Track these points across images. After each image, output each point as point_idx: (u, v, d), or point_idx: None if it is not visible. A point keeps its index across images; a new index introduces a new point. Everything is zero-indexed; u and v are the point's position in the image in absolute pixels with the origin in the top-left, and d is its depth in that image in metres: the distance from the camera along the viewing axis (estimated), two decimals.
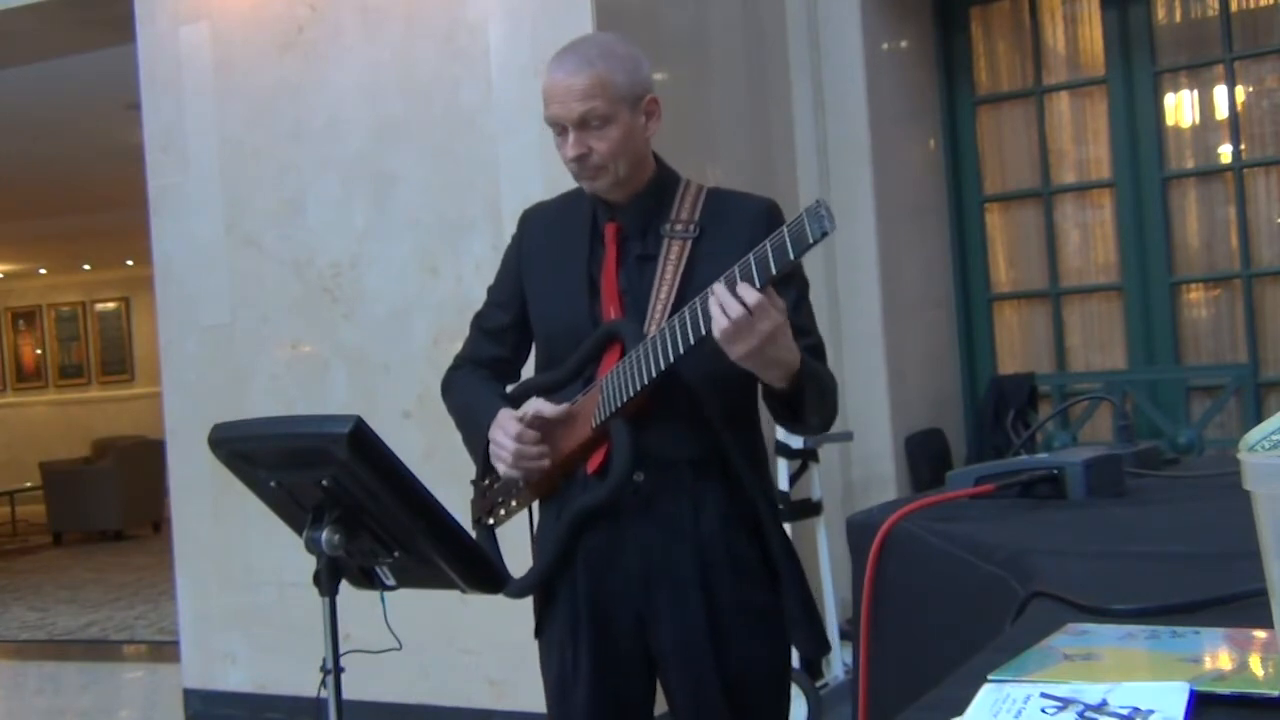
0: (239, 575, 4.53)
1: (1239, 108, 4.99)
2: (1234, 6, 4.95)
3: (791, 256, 1.72)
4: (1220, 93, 5.01)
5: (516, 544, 2.15)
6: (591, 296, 2.04)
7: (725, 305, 1.75)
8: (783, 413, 1.97)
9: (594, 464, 2.00)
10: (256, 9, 4.45)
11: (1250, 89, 5.05)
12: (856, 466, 4.92)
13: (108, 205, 10.05)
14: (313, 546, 2.04)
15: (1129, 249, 5.08)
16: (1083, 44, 5.23)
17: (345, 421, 1.93)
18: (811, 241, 1.70)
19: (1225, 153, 5.03)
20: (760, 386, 1.99)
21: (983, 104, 5.36)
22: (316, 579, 2.07)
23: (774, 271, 1.74)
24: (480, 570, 2.10)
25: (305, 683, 2.36)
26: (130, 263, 14.18)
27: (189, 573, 4.70)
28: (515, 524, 2.15)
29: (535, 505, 2.13)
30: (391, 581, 2.17)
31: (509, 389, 2.18)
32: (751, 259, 1.75)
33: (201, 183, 4.59)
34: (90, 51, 5.71)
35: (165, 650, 5.84)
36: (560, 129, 1.99)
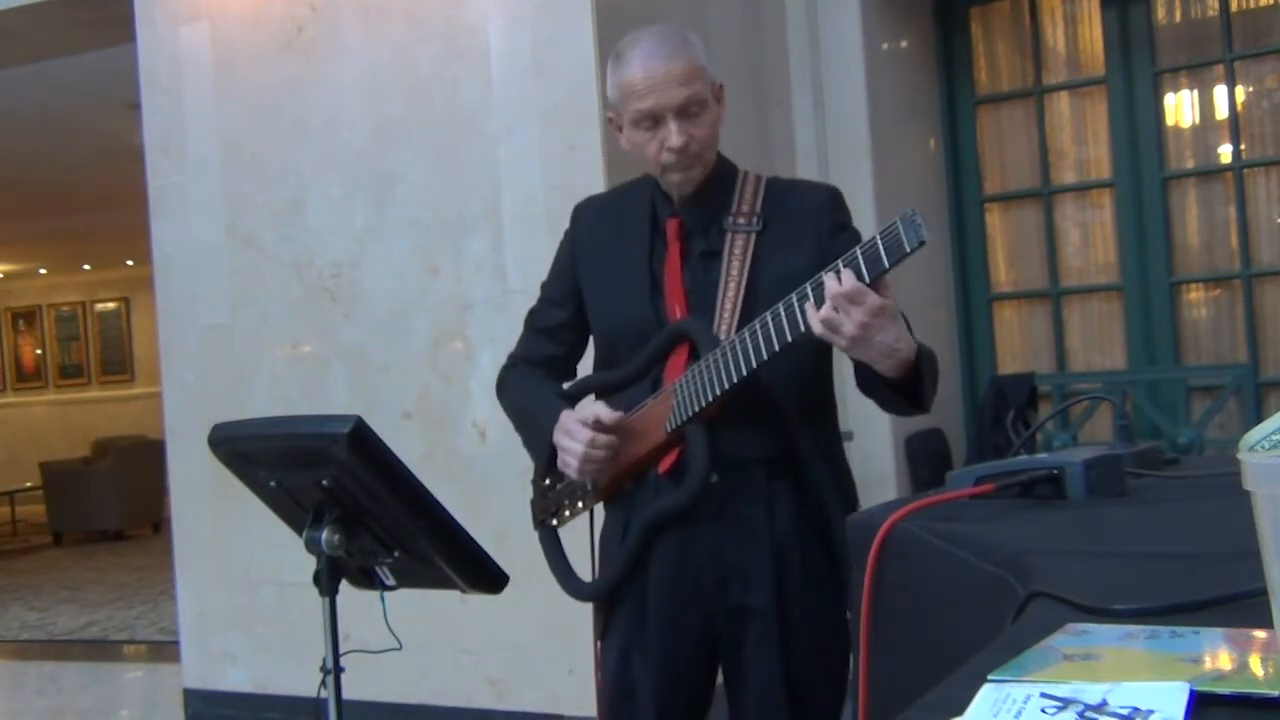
0: (239, 575, 4.53)
1: (1239, 108, 4.99)
2: (1234, 6, 4.95)
3: (886, 265, 1.69)
4: (1220, 93, 5.01)
5: (571, 544, 2.13)
6: (655, 294, 2.00)
7: (828, 282, 1.72)
8: (896, 400, 1.91)
9: (666, 465, 1.97)
10: (256, 9, 4.45)
11: (1250, 89, 5.05)
12: (856, 466, 4.88)
13: (108, 205, 10.05)
14: (313, 546, 2.04)
15: (1129, 249, 5.09)
16: (1083, 44, 5.23)
17: (345, 421, 1.93)
18: (908, 250, 1.67)
19: (1225, 153, 5.03)
20: (856, 376, 1.96)
21: (983, 104, 5.36)
22: (316, 579, 2.07)
23: (867, 281, 1.71)
24: (480, 570, 2.10)
25: (305, 683, 2.36)
26: (130, 263, 14.19)
27: (189, 573, 4.70)
28: (572, 524, 2.14)
29: (598, 506, 2.11)
30: (391, 581, 2.17)
31: (566, 386, 2.14)
32: (840, 265, 1.72)
33: (201, 183, 4.59)
34: (90, 51, 5.71)
35: (165, 650, 5.84)
36: (652, 121, 1.93)
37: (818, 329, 1.74)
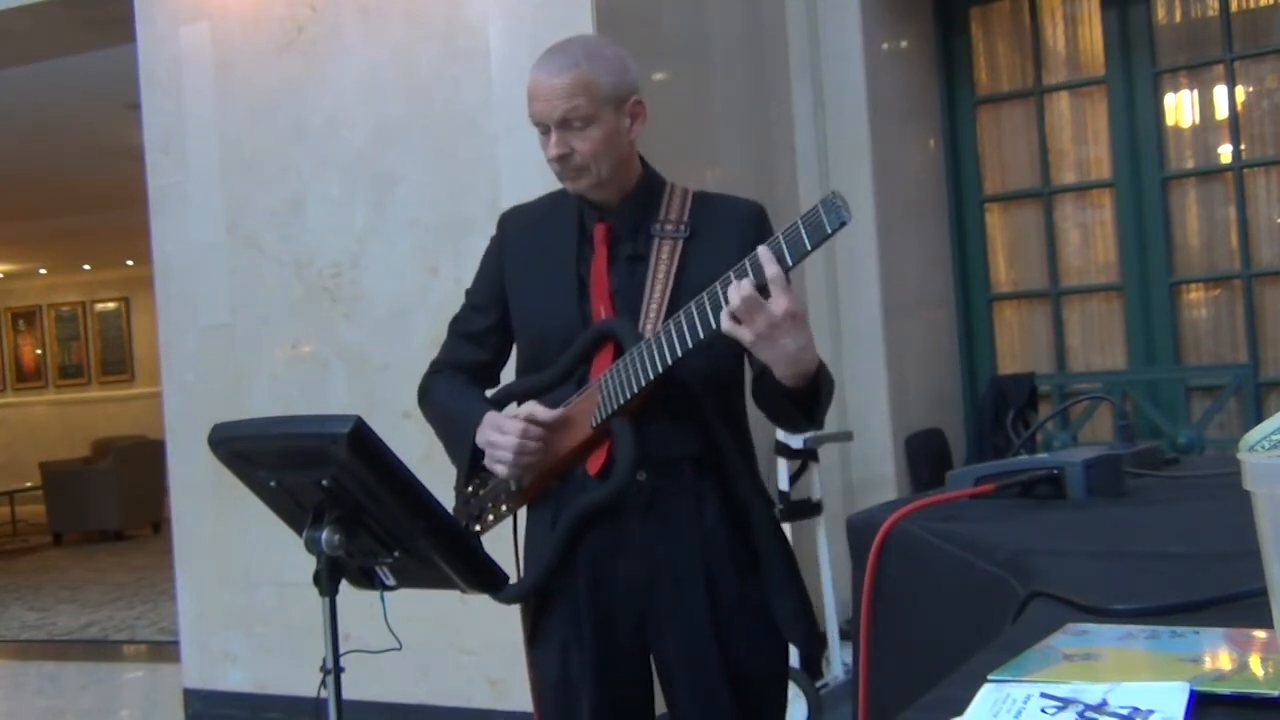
0: (239, 575, 4.53)
1: (1239, 108, 4.99)
2: (1234, 6, 4.95)
3: (808, 247, 1.73)
4: (1220, 93, 5.01)
5: (495, 551, 2.13)
6: (581, 297, 2.03)
7: (739, 284, 1.75)
8: (787, 411, 1.95)
9: (595, 465, 1.98)
10: (256, 9, 4.45)
11: (1250, 89, 5.05)
12: (856, 466, 4.92)
13: (108, 205, 10.05)
14: (313, 546, 2.04)
15: (1129, 249, 5.09)
16: (1083, 44, 5.23)
17: (345, 421, 1.92)
18: (829, 232, 1.70)
19: (1225, 153, 5.03)
20: (753, 386, 1.99)
21: (983, 104, 5.36)
22: (316, 579, 2.07)
23: (790, 263, 1.74)
24: (480, 570, 2.09)
25: (305, 683, 2.36)
26: (130, 263, 14.19)
27: (189, 573, 4.70)
28: (496, 530, 2.13)
29: (521, 512, 2.11)
30: (391, 581, 2.17)
31: (490, 393, 2.15)
32: (767, 250, 1.75)
33: (201, 183, 4.59)
34: (90, 51, 5.71)
35: (165, 650, 5.84)
36: (544, 128, 1.99)
37: (725, 325, 1.77)
